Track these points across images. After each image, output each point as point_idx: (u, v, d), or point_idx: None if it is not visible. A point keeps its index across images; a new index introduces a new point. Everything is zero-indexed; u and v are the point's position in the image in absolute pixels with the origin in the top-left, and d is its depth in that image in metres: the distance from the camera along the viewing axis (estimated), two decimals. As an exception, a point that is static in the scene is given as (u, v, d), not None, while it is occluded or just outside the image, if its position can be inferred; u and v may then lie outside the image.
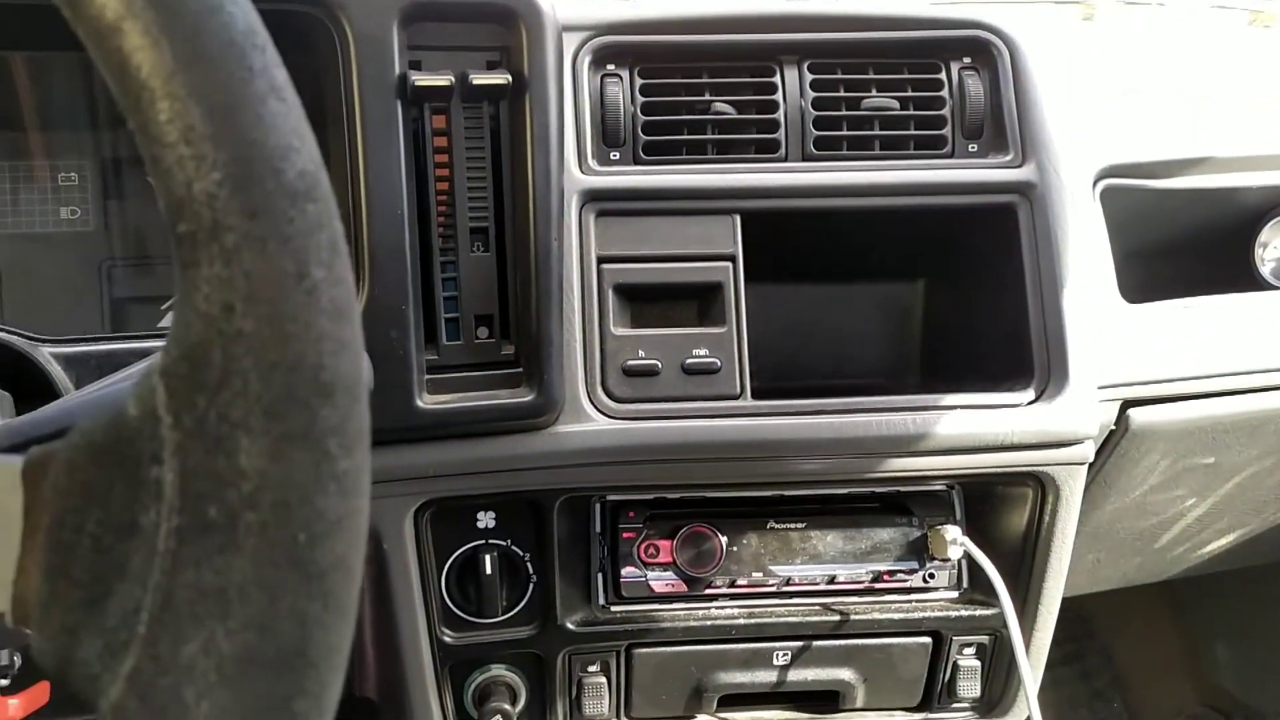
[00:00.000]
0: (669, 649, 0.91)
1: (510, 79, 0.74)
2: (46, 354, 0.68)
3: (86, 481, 0.31)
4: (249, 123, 0.30)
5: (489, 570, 0.85)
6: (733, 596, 0.91)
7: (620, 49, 0.87)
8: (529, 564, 0.87)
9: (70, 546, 0.31)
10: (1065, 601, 0.95)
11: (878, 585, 0.91)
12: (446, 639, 0.88)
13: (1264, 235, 1.08)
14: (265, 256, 0.30)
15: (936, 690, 0.95)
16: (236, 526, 0.29)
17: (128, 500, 0.31)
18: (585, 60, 0.86)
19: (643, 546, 0.89)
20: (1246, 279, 1.08)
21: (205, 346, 0.30)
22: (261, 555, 0.29)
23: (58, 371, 0.68)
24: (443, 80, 0.72)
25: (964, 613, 0.92)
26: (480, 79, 0.73)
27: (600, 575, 0.89)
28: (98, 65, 0.32)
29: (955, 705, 0.96)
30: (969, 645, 0.94)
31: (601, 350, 0.83)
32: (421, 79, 0.72)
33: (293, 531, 0.29)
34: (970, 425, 0.85)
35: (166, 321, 0.86)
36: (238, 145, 0.30)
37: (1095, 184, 0.96)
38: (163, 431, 0.30)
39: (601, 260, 0.83)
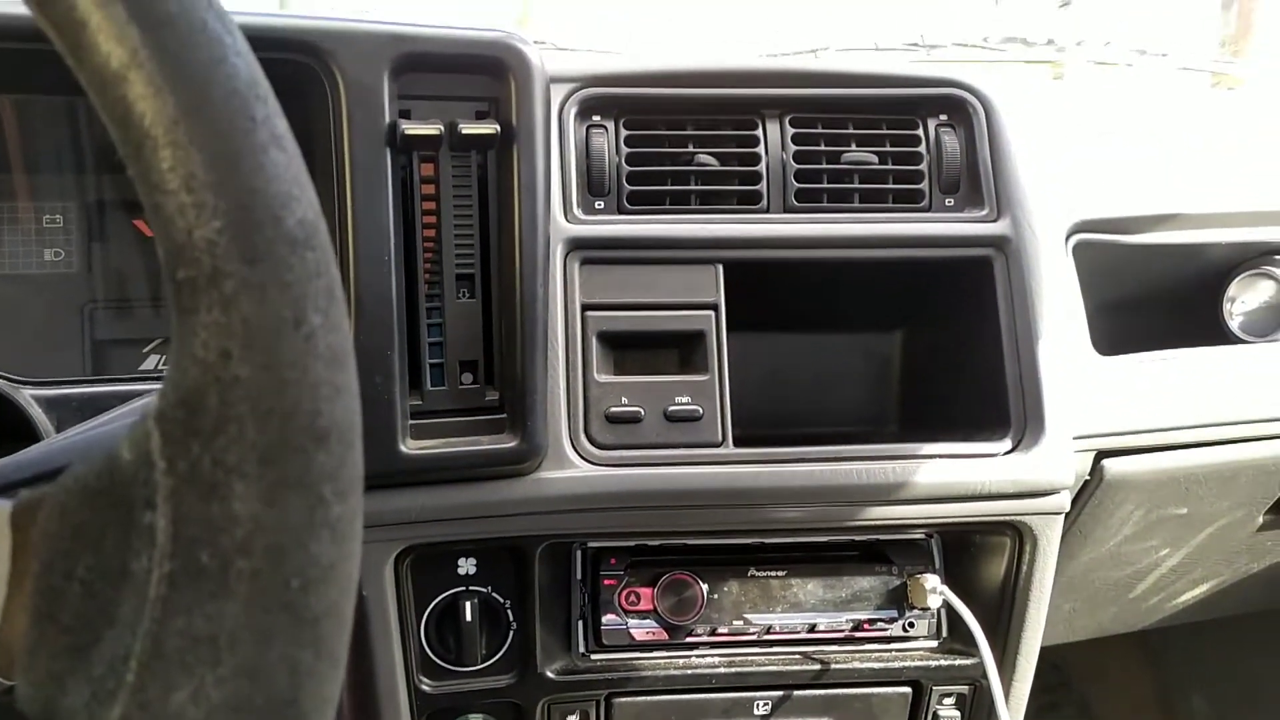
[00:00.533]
0: (649, 698, 0.90)
1: (499, 129, 0.75)
2: (28, 396, 0.68)
3: (78, 526, 0.31)
4: (250, 171, 0.31)
5: (469, 618, 0.84)
6: (713, 645, 0.90)
7: (606, 100, 0.89)
8: (509, 611, 0.86)
9: (59, 592, 0.31)
10: (1041, 651, 0.95)
11: (858, 634, 0.91)
12: (425, 688, 0.86)
13: (1232, 290, 1.11)
14: (263, 303, 0.30)
15: (917, 741, 0.95)
16: (229, 572, 0.29)
17: (119, 545, 0.30)
18: (571, 111, 0.88)
19: (624, 594, 0.88)
20: (1216, 332, 1.11)
21: (201, 392, 0.30)
22: (254, 602, 0.29)
23: (39, 414, 0.68)
24: (432, 129, 0.73)
25: (943, 662, 0.92)
26: (469, 129, 0.74)
27: (581, 623, 0.89)
28: (100, 113, 0.32)
29: (935, 756, 0.96)
30: (949, 695, 0.94)
31: (585, 397, 0.83)
32: (411, 128, 0.73)
33: (285, 577, 0.29)
34: (948, 474, 0.86)
35: (147, 364, 0.85)
36: (239, 193, 0.30)
37: (1068, 239, 0.98)
38: (156, 477, 0.30)
39: (585, 308, 0.84)
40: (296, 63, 0.71)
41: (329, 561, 0.30)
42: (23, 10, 0.32)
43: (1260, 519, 1.10)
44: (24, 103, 0.83)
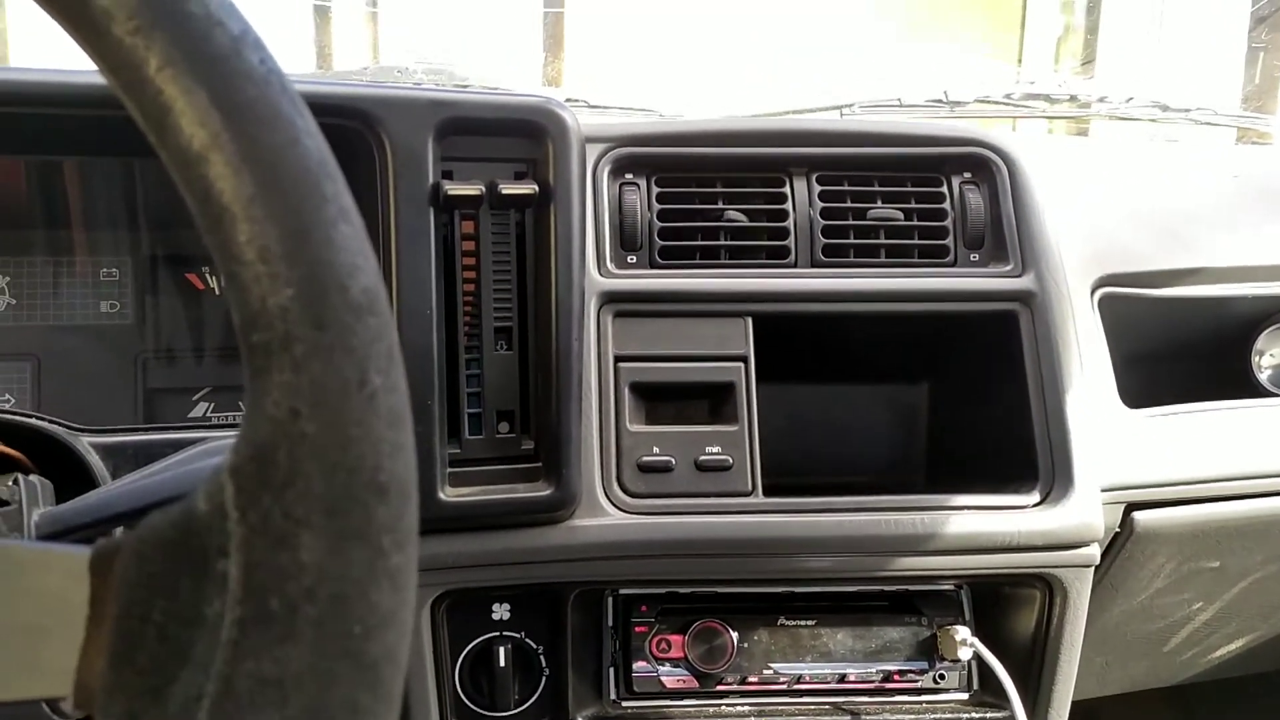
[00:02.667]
0: (679, 748, 0.90)
1: (536, 189, 0.78)
2: (86, 444, 0.71)
3: (155, 573, 0.33)
4: (320, 243, 0.33)
5: (503, 662, 0.86)
6: (744, 694, 0.91)
7: (638, 159, 0.92)
8: (542, 657, 0.88)
9: (137, 635, 0.33)
10: (1074, 705, 0.94)
11: (888, 685, 0.91)
12: (458, 733, 0.88)
13: (1260, 343, 1.11)
14: (331, 365, 0.32)
15: (947, 795, 0.94)
16: (296, 618, 0.31)
17: (194, 591, 0.32)
18: (605, 169, 0.90)
19: (655, 641, 0.89)
20: (1245, 385, 1.11)
21: (272, 448, 0.32)
22: (318, 646, 0.31)
23: (96, 461, 0.70)
24: (473, 190, 0.76)
25: (974, 715, 0.92)
26: (508, 189, 0.77)
27: (612, 669, 0.90)
28: (180, 187, 0.35)
29: (966, 811, 0.95)
30: (980, 749, 0.93)
31: (617, 446, 0.85)
32: (453, 188, 0.76)
33: (348, 624, 0.31)
34: (977, 526, 0.86)
35: (196, 412, 0.88)
36: (310, 264, 0.32)
37: (1094, 292, 0.99)
38: (230, 526, 0.32)
39: (619, 359, 0.86)
40: (345, 127, 0.75)
41: (388, 609, 0.32)
42: (100, 80, 0.34)
43: (1295, 573, 1.09)
44: (84, 163, 0.88)
